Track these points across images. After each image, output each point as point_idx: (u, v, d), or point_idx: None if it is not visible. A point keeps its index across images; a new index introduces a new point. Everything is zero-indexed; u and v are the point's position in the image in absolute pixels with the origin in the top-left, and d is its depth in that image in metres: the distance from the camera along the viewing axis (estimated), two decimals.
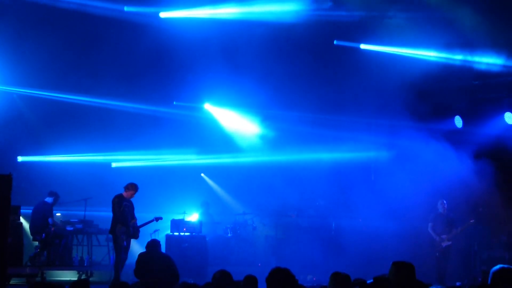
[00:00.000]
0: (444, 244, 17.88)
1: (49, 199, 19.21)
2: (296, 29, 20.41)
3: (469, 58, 19.44)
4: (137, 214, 16.95)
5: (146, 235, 17.94)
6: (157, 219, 17.53)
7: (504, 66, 18.98)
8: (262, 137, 23.08)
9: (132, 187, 16.74)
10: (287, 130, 22.43)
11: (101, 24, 20.20)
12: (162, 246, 15.32)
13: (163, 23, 20.98)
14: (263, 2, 20.36)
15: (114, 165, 22.43)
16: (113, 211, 16.46)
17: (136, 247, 17.83)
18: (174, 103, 22.98)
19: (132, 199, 16.82)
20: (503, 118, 20.07)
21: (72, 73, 20.83)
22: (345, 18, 20.74)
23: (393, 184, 20.29)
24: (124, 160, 22.47)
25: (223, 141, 23.49)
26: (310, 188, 21.83)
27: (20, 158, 21.62)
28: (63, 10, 19.37)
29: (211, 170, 23.60)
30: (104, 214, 17.51)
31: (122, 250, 16.37)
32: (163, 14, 21.08)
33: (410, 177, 20.17)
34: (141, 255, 14.29)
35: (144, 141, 22.25)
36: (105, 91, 21.50)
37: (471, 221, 18.19)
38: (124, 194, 16.69)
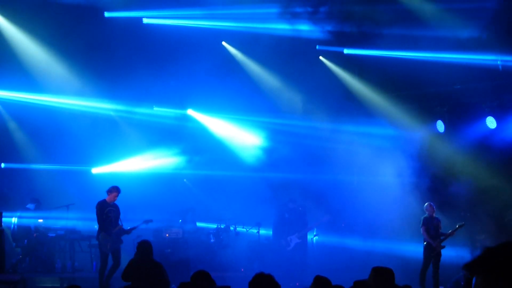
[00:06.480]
0: (439, 248, 17.81)
1: (31, 206, 19.12)
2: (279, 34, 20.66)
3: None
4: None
5: (129, 241, 17.88)
6: (147, 221, 17.42)
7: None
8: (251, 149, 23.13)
9: (113, 190, 16.74)
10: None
11: (81, 27, 20.20)
12: None
13: (146, 28, 21.06)
14: (248, 11, 20.51)
15: (94, 171, 22.30)
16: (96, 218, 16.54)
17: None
18: (154, 108, 22.93)
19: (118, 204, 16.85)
20: (485, 123, 20.21)
21: (52, 79, 20.76)
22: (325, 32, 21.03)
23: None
24: (104, 165, 22.35)
25: (208, 149, 23.42)
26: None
27: (2, 165, 21.48)
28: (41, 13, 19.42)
29: (193, 176, 23.54)
30: (86, 220, 17.42)
31: (105, 257, 16.36)
32: (146, 20, 21.13)
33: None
34: (132, 261, 13.98)
35: (124, 147, 22.21)
36: (85, 96, 21.49)
37: (462, 224, 18.17)
38: (107, 198, 16.71)
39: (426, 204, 18.29)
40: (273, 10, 20.23)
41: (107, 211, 16.55)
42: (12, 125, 21.50)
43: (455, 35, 19.14)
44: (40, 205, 19.49)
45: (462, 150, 20.33)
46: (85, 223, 19.36)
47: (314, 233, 21.20)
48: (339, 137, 21.71)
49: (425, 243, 17.93)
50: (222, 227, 21.38)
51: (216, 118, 23.48)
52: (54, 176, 21.62)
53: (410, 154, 20.72)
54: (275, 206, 21.73)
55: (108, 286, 16.15)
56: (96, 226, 17.21)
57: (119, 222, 16.76)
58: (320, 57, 22.79)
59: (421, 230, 17.94)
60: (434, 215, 18.09)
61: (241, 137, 23.34)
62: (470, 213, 20.17)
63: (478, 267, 3.13)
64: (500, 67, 19.26)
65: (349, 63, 22.56)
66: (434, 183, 20.50)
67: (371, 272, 8.08)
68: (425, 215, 18.12)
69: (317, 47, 22.33)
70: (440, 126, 21.10)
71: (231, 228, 21.44)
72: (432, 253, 17.80)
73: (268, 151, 22.81)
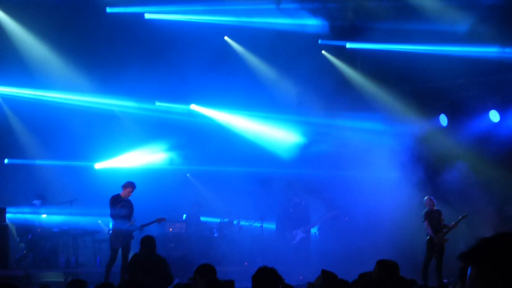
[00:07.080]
0: (442, 242, 17.78)
1: (36, 202, 19.16)
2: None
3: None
4: None
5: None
6: (160, 220, 17.40)
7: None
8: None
9: (128, 185, 16.68)
10: None
11: (82, 22, 20.21)
12: None
13: (149, 23, 21.07)
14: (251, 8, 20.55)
15: (97, 166, 22.29)
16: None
17: None
18: (156, 103, 22.91)
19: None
20: (488, 116, 20.19)
21: (55, 74, 20.78)
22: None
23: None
24: (107, 160, 22.35)
25: (211, 144, 23.34)
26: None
27: (6, 161, 21.51)
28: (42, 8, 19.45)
29: (196, 171, 23.55)
30: (89, 216, 17.38)
31: (115, 252, 16.33)
32: (148, 16, 21.14)
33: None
34: (135, 255, 14.00)
35: (127, 142, 22.21)
36: (88, 92, 21.50)
37: (465, 214, 18.10)
38: (122, 193, 16.65)
39: (425, 198, 18.27)
40: (272, 5, 20.25)
41: (120, 206, 16.51)
42: (15, 121, 21.51)
43: (457, 28, 19.14)
44: (45, 201, 19.53)
45: (465, 144, 20.32)
46: (89, 219, 19.36)
47: (317, 227, 21.26)
48: (339, 132, 21.71)
49: (428, 237, 17.92)
50: (226, 221, 21.40)
51: (219, 112, 23.42)
52: (57, 172, 21.64)
53: (413, 148, 20.71)
54: (279, 200, 21.77)
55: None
56: (99, 221, 17.17)
57: (132, 218, 16.70)
58: (323, 52, 22.77)
59: (425, 224, 17.93)
60: (434, 208, 18.08)
61: (244, 131, 23.32)
62: (473, 207, 20.18)
63: (473, 257, 3.11)
64: (503, 60, 19.23)
65: (351, 58, 22.56)
66: (437, 176, 20.49)
67: (375, 265, 8.04)
68: (426, 209, 18.10)
69: (319, 41, 22.31)
70: (443, 120, 21.08)
71: (235, 222, 21.47)
72: (434, 247, 17.80)
73: (270, 148, 22.83)
